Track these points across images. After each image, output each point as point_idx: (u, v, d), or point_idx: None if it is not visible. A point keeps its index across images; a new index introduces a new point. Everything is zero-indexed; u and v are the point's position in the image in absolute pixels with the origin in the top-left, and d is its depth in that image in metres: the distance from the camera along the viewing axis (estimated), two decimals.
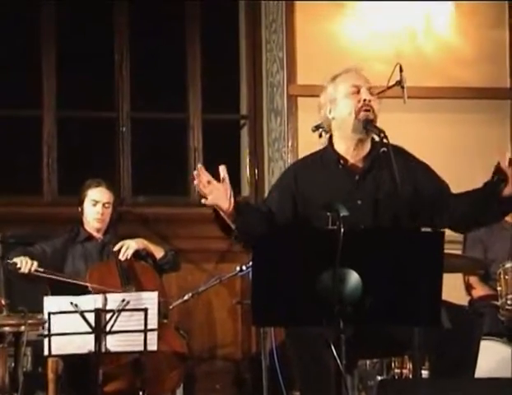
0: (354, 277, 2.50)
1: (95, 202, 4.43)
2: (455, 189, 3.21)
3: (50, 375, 4.09)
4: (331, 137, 3.24)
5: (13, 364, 3.88)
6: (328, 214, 2.66)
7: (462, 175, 3.98)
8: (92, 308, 3.74)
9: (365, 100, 3.13)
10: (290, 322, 2.71)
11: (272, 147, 5.43)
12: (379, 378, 3.97)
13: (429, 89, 5.29)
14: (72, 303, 3.72)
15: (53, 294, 4.18)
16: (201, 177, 3.05)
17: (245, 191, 5.52)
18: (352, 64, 3.26)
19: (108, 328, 3.74)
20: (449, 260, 3.47)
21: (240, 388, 5.24)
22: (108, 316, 3.74)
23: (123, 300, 3.76)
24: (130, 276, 4.32)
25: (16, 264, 4.15)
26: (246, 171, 5.53)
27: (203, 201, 3.07)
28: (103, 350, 3.74)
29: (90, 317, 3.73)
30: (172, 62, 5.55)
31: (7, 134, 5.29)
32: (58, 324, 3.71)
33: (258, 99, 5.50)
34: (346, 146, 3.18)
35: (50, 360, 4.04)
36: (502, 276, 4.23)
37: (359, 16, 5.27)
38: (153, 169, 5.51)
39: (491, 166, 4.72)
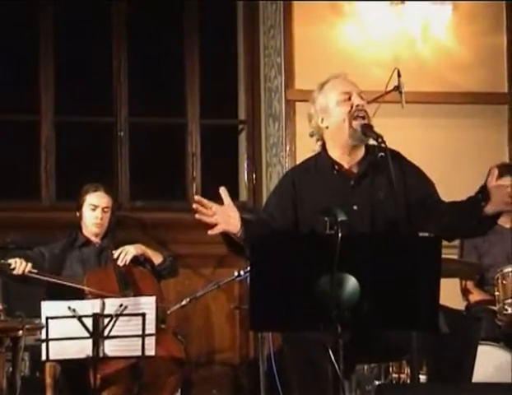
0: (352, 282, 2.50)
1: (94, 207, 4.43)
2: (453, 194, 3.21)
3: (48, 380, 4.08)
4: (324, 144, 3.24)
5: (11, 369, 3.87)
6: (326, 219, 2.66)
7: (459, 180, 3.99)
8: (90, 312, 3.73)
9: (358, 106, 3.13)
10: (287, 327, 2.71)
11: (270, 152, 5.44)
12: (376, 382, 3.96)
13: (427, 94, 5.30)
14: (69, 308, 3.72)
15: (51, 298, 4.18)
16: (202, 210, 2.99)
17: (243, 196, 5.53)
18: (338, 71, 3.24)
19: (106, 333, 3.74)
20: (446, 265, 3.47)
21: (238, 393, 5.24)
22: (106, 321, 3.74)
23: (121, 305, 3.76)
24: (128, 281, 4.32)
25: (9, 265, 4.16)
26: (244, 176, 5.53)
27: (210, 232, 2.99)
28: (101, 355, 3.74)
29: (88, 322, 3.73)
30: (170, 67, 5.56)
31: (5, 139, 5.30)
32: (55, 329, 3.71)
33: (256, 105, 5.51)
34: (341, 152, 3.18)
35: (48, 365, 4.04)
36: (500, 281, 4.23)
37: (357, 21, 5.28)
38: (151, 174, 5.52)
39: (484, 171, 4.75)
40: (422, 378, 3.37)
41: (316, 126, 3.21)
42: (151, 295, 3.93)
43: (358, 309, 2.49)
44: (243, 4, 5.55)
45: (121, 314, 3.75)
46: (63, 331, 3.71)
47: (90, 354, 3.72)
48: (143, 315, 3.76)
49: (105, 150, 5.44)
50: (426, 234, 3.11)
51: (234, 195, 5.45)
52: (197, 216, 2.99)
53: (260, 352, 4.23)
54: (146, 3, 5.44)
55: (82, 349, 3.72)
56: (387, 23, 5.27)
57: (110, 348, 3.76)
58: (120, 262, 4.35)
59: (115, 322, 3.74)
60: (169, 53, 5.56)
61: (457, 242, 4.69)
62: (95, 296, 4.01)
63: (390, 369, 3.98)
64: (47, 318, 3.71)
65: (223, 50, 5.61)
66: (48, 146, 5.32)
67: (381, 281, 2.50)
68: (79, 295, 4.12)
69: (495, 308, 4.22)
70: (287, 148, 5.25)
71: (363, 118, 3.13)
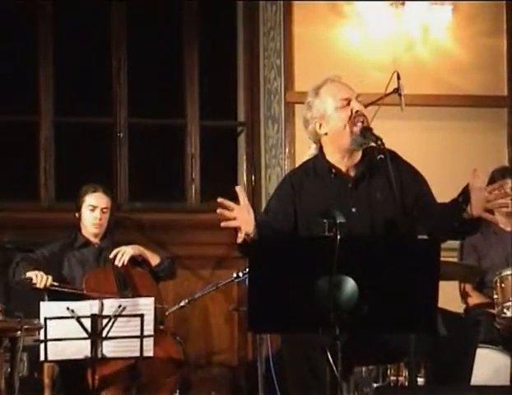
0: (350, 284, 2.50)
1: (93, 208, 4.43)
2: (450, 197, 3.21)
3: (46, 381, 4.09)
4: (321, 147, 3.23)
5: (9, 370, 3.87)
6: (325, 221, 2.66)
7: (458, 183, 3.97)
8: (88, 313, 3.74)
9: (357, 112, 3.12)
10: (286, 329, 2.72)
11: (269, 154, 5.44)
12: (374, 385, 3.96)
13: (426, 96, 5.30)
14: (68, 308, 3.73)
15: (50, 299, 4.18)
16: (224, 212, 2.97)
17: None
18: (331, 74, 3.23)
19: (104, 334, 3.75)
20: (445, 268, 3.48)
21: (236, 394, 5.24)
22: (104, 322, 3.75)
23: (120, 306, 3.76)
24: (127, 282, 4.32)
25: (31, 279, 4.14)
26: (243, 177, 5.54)
27: (224, 224, 2.98)
28: (99, 355, 3.74)
29: (87, 322, 3.73)
30: (169, 69, 5.56)
31: (4, 140, 5.30)
32: (54, 330, 3.71)
33: (256, 106, 5.51)
34: (340, 156, 3.18)
35: (46, 366, 4.04)
36: (498, 285, 4.22)
37: (357, 23, 5.28)
38: (150, 175, 5.52)
39: (488, 174, 4.76)
40: (420, 380, 3.37)
41: (313, 132, 3.19)
42: (149, 296, 3.93)
43: (356, 310, 2.49)
44: (242, 5, 5.55)
45: (119, 315, 3.75)
46: (62, 331, 3.72)
47: (89, 354, 3.73)
48: (142, 316, 3.76)
49: (104, 151, 5.44)
50: (425, 237, 3.11)
51: (232, 197, 5.47)
52: (218, 210, 2.96)
53: (258, 354, 4.23)
54: (146, 4, 5.44)
55: (81, 349, 3.73)
56: (386, 24, 5.28)
57: (109, 349, 3.76)
58: (117, 262, 4.35)
59: (114, 322, 3.75)
60: (169, 54, 5.56)
61: (456, 244, 4.70)
62: (94, 297, 4.02)
63: (388, 372, 3.98)
64: (45, 319, 3.71)
65: (223, 51, 5.62)
66: (48, 146, 5.32)
67: (380, 283, 2.51)
68: (78, 296, 4.12)
69: (494, 311, 4.22)
70: (286, 150, 5.25)
71: (362, 123, 3.13)
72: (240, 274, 4.30)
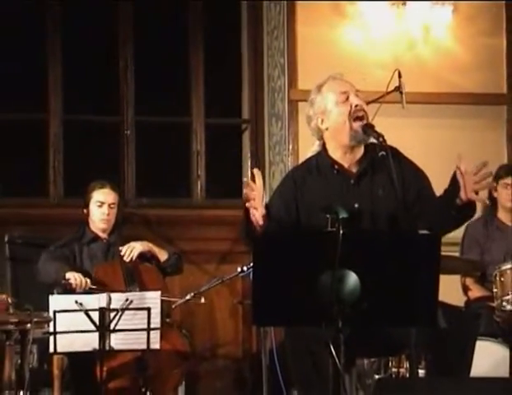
0: (353, 278, 2.50)
1: (101, 203, 4.44)
2: None
3: (55, 372, 4.10)
4: (324, 143, 3.23)
5: (19, 361, 3.88)
6: (328, 216, 2.66)
7: None
8: (97, 307, 3.75)
9: (356, 106, 3.12)
10: (289, 322, 2.72)
11: (272, 151, 5.44)
12: (376, 376, 3.96)
13: (427, 94, 5.29)
14: (76, 301, 3.73)
15: (59, 292, 4.19)
16: (255, 183, 3.00)
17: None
18: (334, 72, 3.24)
19: (112, 327, 3.75)
20: (446, 262, 3.48)
21: (241, 386, 5.24)
22: (112, 315, 3.75)
23: (127, 300, 3.77)
24: (134, 277, 4.33)
25: (69, 280, 4.14)
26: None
27: (248, 204, 3.00)
28: (107, 348, 3.75)
29: (95, 315, 3.73)
30: (175, 68, 5.56)
31: (14, 137, 5.31)
32: (63, 322, 3.72)
33: (260, 104, 5.51)
34: (342, 152, 3.18)
35: (55, 358, 4.05)
36: (498, 278, 4.22)
37: (359, 23, 5.28)
38: (157, 171, 5.52)
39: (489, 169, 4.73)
40: (421, 372, 3.38)
41: (316, 127, 3.20)
42: (156, 290, 3.94)
43: (359, 304, 2.49)
44: (247, 5, 5.55)
45: (127, 308, 3.76)
46: (70, 324, 3.72)
47: (97, 347, 3.74)
48: (148, 309, 3.77)
49: (112, 148, 5.44)
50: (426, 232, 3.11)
51: (237, 193, 5.48)
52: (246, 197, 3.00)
53: (262, 346, 4.23)
54: (152, 5, 5.44)
55: (89, 342, 3.73)
56: (388, 24, 5.27)
57: (116, 341, 3.77)
58: (126, 258, 4.35)
59: (121, 316, 3.76)
60: (175, 53, 5.56)
61: (458, 239, 4.69)
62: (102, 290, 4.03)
63: (390, 364, 3.98)
64: (54, 312, 3.72)
65: (227, 51, 5.61)
66: (56, 144, 5.33)
67: (381, 277, 2.51)
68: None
69: (494, 304, 4.21)
70: (290, 147, 5.25)
71: (362, 118, 3.12)
72: (245, 268, 4.30)
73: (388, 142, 3.08)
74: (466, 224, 4.62)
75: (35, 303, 3.93)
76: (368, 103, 3.31)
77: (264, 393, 3.97)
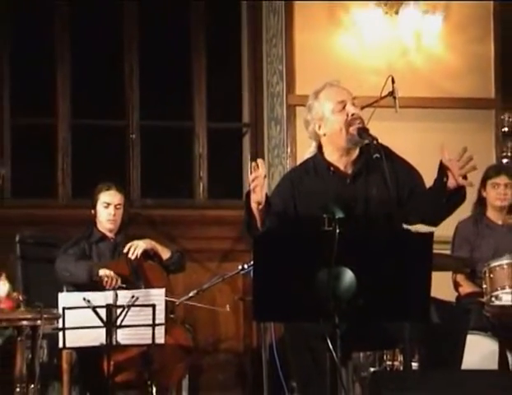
0: (349, 275, 2.50)
1: (107, 205, 4.44)
2: None
3: (64, 366, 4.10)
4: (320, 146, 3.24)
5: (30, 356, 3.89)
6: (325, 216, 2.66)
7: None
8: (104, 303, 3.74)
9: (353, 115, 3.12)
10: (288, 318, 2.72)
11: (272, 153, 5.44)
12: (372, 369, 3.97)
13: (419, 99, 5.29)
14: (84, 299, 3.73)
15: (68, 290, 4.19)
16: (259, 172, 3.01)
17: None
18: (331, 79, 3.24)
19: (118, 323, 3.75)
20: (438, 259, 3.47)
21: (242, 380, 5.24)
22: (118, 311, 3.75)
23: (133, 297, 3.77)
24: (139, 274, 4.32)
25: (102, 279, 4.14)
26: (248, 176, 5.51)
27: (254, 184, 3.00)
28: (114, 343, 3.74)
29: (102, 312, 3.73)
30: (179, 74, 5.57)
31: (25, 141, 5.31)
32: (71, 319, 3.72)
33: (259, 109, 5.51)
34: (338, 155, 3.19)
35: (64, 352, 4.05)
36: (487, 275, 4.22)
37: (354, 31, 5.28)
38: (161, 173, 5.52)
39: (477, 171, 4.75)
40: (414, 365, 3.37)
41: (313, 132, 3.21)
42: (160, 287, 3.94)
43: (354, 300, 2.49)
44: (247, 14, 5.55)
45: (133, 305, 3.75)
46: (79, 320, 3.72)
47: (104, 342, 3.73)
48: (153, 306, 3.76)
49: (118, 151, 5.44)
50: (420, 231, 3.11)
51: (237, 194, 5.48)
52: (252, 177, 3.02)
53: (263, 341, 4.23)
54: (156, 14, 5.45)
55: (97, 337, 3.73)
56: (381, 32, 5.27)
57: (123, 337, 3.77)
58: (131, 256, 4.35)
59: (127, 312, 3.75)
60: (178, 60, 5.56)
61: (449, 238, 4.70)
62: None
63: (384, 357, 3.98)
64: (63, 309, 3.71)
65: (228, 58, 5.62)
66: (65, 147, 5.33)
67: (376, 274, 2.51)
68: (94, 287, 4.12)
69: (484, 300, 4.21)
70: (288, 150, 5.25)
71: (358, 125, 3.12)
72: (245, 266, 4.29)
73: None
74: (457, 223, 4.68)
75: (45, 300, 3.93)
76: (363, 107, 3.32)
77: (264, 386, 3.96)
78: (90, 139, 5.44)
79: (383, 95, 4.49)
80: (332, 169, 3.18)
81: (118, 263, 4.36)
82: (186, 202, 5.50)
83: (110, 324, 3.73)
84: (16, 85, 5.26)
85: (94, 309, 3.71)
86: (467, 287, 4.60)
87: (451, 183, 2.98)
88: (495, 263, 4.22)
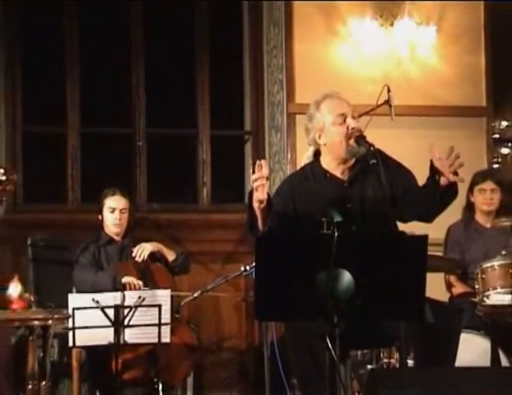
0: (347, 277, 2.50)
1: (113, 209, 4.44)
2: None
3: (74, 364, 4.09)
4: (316, 153, 3.24)
5: (41, 354, 3.88)
6: (324, 219, 2.66)
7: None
8: (112, 304, 3.74)
9: (353, 129, 3.13)
10: (289, 317, 2.72)
11: (273, 159, 5.44)
12: (369, 367, 3.96)
13: (414, 107, 5.30)
14: (93, 299, 3.73)
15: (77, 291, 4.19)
16: (263, 172, 3.00)
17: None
18: (333, 87, 3.24)
19: (126, 322, 3.75)
20: (432, 261, 3.47)
21: (244, 377, 5.24)
22: (126, 311, 3.75)
23: (140, 297, 3.77)
24: (146, 276, 4.33)
25: (125, 285, 4.15)
26: (250, 181, 5.52)
27: (258, 183, 3.00)
28: (121, 342, 3.74)
29: (110, 312, 3.73)
30: (183, 84, 5.57)
31: (36, 149, 5.32)
32: (81, 319, 3.72)
33: (261, 117, 5.52)
34: (335, 163, 3.20)
35: (74, 351, 4.05)
36: (479, 276, 4.22)
37: (351, 43, 5.28)
38: (166, 179, 5.52)
39: (470, 177, 4.76)
40: (410, 362, 3.37)
41: (313, 140, 3.22)
42: (166, 288, 3.94)
43: (352, 300, 2.49)
44: (248, 27, 5.56)
45: (139, 305, 3.75)
46: (88, 320, 3.72)
47: (112, 341, 3.73)
48: (159, 306, 3.77)
49: (125, 158, 5.44)
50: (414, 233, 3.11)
51: (240, 198, 5.48)
52: (256, 173, 3.01)
53: (264, 339, 4.22)
54: (162, 30, 5.47)
55: (105, 336, 3.73)
56: (377, 44, 5.27)
57: (130, 336, 3.77)
58: (138, 258, 4.35)
59: (134, 312, 3.75)
60: (183, 71, 5.57)
61: (441, 240, 4.70)
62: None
63: (381, 355, 3.97)
64: (73, 309, 3.72)
65: (231, 68, 5.62)
66: (74, 154, 5.34)
67: (373, 275, 2.51)
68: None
69: (476, 299, 4.21)
70: (288, 156, 5.25)
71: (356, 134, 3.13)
72: (248, 268, 4.29)
73: None
74: (448, 227, 4.69)
75: (56, 301, 3.93)
76: (360, 115, 3.31)
77: (266, 383, 3.96)
78: (99, 146, 5.44)
79: (379, 103, 4.49)
80: (328, 175, 3.18)
81: (126, 265, 4.37)
82: (190, 206, 5.50)
83: (118, 324, 3.73)
84: (28, 96, 5.27)
85: (102, 309, 3.71)
86: (459, 288, 4.60)
87: (443, 180, 2.99)
88: (486, 265, 4.22)
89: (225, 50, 5.61)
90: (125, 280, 4.17)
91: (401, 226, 3.23)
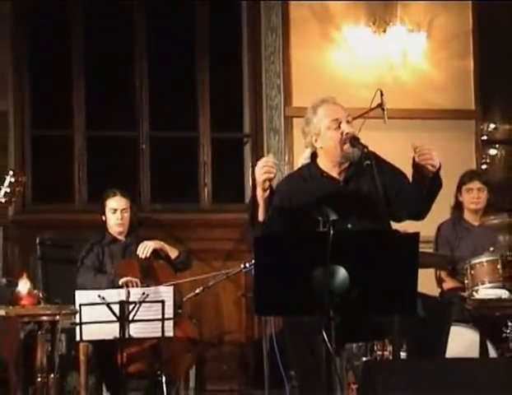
0: (342, 273, 2.50)
1: (114, 210, 4.43)
2: None
3: (81, 358, 4.10)
4: (314, 155, 3.25)
5: (50, 349, 3.88)
6: (320, 218, 2.66)
7: None
8: (117, 300, 3.74)
9: (347, 133, 3.14)
10: (287, 312, 2.72)
11: None
12: (364, 359, 3.97)
13: (406, 111, 5.31)
14: (99, 296, 3.73)
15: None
16: (270, 163, 3.01)
17: (247, 199, 5.53)
18: (328, 95, 3.25)
19: (131, 317, 3.75)
20: (423, 258, 3.48)
21: (244, 369, 5.24)
22: (130, 307, 3.75)
23: (144, 293, 3.77)
24: (149, 272, 4.33)
25: (123, 285, 4.15)
26: (249, 182, 5.54)
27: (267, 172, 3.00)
28: (126, 336, 3.74)
29: (116, 308, 3.74)
30: (185, 90, 5.58)
31: (44, 152, 5.33)
32: (87, 314, 3.72)
33: (259, 120, 5.52)
34: (331, 165, 3.21)
35: (81, 345, 4.05)
36: (468, 271, 4.23)
37: (345, 48, 5.29)
38: (169, 180, 5.53)
39: (459, 176, 4.76)
40: (403, 354, 3.37)
41: (310, 143, 3.23)
42: (169, 285, 3.94)
43: (348, 295, 2.49)
44: (247, 34, 5.57)
45: (143, 301, 3.76)
46: (94, 315, 3.72)
47: (118, 335, 3.73)
48: (163, 302, 3.77)
49: (129, 160, 5.45)
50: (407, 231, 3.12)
51: (239, 198, 5.49)
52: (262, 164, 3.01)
53: (263, 333, 4.23)
54: (164, 38, 5.47)
55: (111, 331, 3.73)
56: (371, 50, 5.29)
57: (135, 330, 3.77)
58: (141, 255, 4.35)
59: (139, 308, 3.75)
60: (184, 77, 5.58)
61: (432, 237, 4.71)
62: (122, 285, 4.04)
63: (375, 347, 3.98)
64: (80, 305, 3.72)
65: (230, 74, 5.63)
66: (81, 157, 5.34)
67: (368, 271, 2.51)
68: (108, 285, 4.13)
69: (465, 294, 4.22)
70: (286, 158, 5.26)
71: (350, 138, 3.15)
72: (247, 265, 4.29)
73: None
74: (438, 225, 4.70)
75: (63, 297, 3.94)
76: (354, 118, 3.32)
77: (265, 375, 3.96)
78: (104, 149, 5.45)
79: (372, 106, 4.50)
80: (325, 175, 3.20)
81: (130, 262, 4.37)
82: (192, 206, 5.51)
83: (123, 319, 3.73)
84: (36, 101, 5.28)
85: (108, 305, 3.71)
86: (449, 283, 4.61)
87: (428, 171, 3.03)
88: (475, 261, 4.23)
89: (225, 57, 5.62)
90: (123, 281, 4.16)
91: (394, 226, 3.24)
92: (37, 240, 4.71)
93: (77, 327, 3.74)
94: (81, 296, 3.74)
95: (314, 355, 2.80)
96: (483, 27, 5.50)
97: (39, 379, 3.78)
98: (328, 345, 2.48)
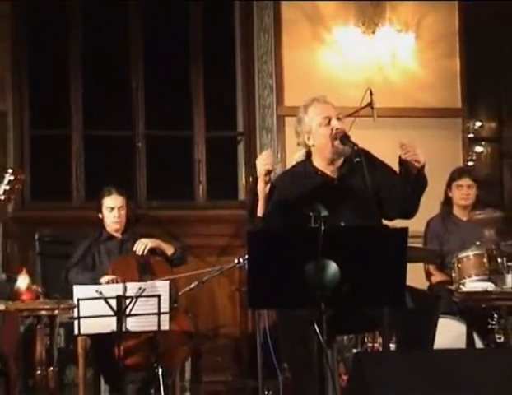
0: (333, 267, 2.51)
1: (111, 209, 4.42)
2: None
3: (80, 351, 4.09)
4: (309, 153, 3.25)
5: (49, 342, 3.88)
6: (311, 214, 2.66)
7: None
8: (114, 294, 3.74)
9: (337, 129, 3.14)
10: (280, 305, 2.72)
11: None
12: (354, 350, 3.97)
13: (395, 109, 5.31)
14: (97, 291, 3.73)
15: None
16: (270, 156, 3.06)
17: (241, 196, 5.54)
18: (318, 94, 3.26)
19: (127, 312, 3.74)
20: (412, 252, 3.49)
21: (239, 361, 5.24)
22: (127, 301, 3.75)
23: (140, 288, 3.77)
24: (146, 268, 4.32)
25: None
26: (242, 180, 5.54)
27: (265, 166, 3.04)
28: (123, 330, 3.74)
29: (113, 302, 3.73)
30: (180, 90, 5.57)
31: (43, 150, 5.31)
32: (85, 308, 3.71)
33: (252, 119, 5.52)
34: (325, 163, 3.22)
35: (79, 339, 4.05)
36: (456, 265, 4.24)
37: (335, 49, 5.29)
38: (164, 178, 5.52)
39: (447, 173, 4.77)
40: (392, 346, 3.38)
41: (303, 142, 3.24)
42: (165, 280, 3.94)
43: (338, 289, 2.49)
44: (240, 35, 5.56)
45: (140, 296, 3.75)
46: (92, 310, 3.71)
47: (115, 329, 3.72)
48: (159, 296, 3.76)
49: (126, 158, 5.44)
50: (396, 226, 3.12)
51: (233, 195, 5.49)
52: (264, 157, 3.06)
53: (257, 327, 4.23)
54: (160, 37, 5.46)
55: (108, 325, 3.72)
56: (360, 50, 5.29)
57: (131, 324, 3.76)
58: (138, 252, 4.35)
59: (135, 302, 3.75)
60: (179, 77, 5.58)
61: (421, 232, 4.71)
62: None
63: (366, 339, 3.99)
64: (78, 300, 3.71)
65: (224, 74, 5.63)
66: (78, 155, 5.33)
67: (358, 265, 2.51)
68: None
69: (453, 287, 4.23)
70: (278, 156, 5.26)
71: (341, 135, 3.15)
72: (241, 260, 4.28)
73: None
74: (427, 220, 4.71)
75: (62, 292, 3.93)
76: (344, 117, 3.32)
77: (259, 367, 3.96)
78: (101, 148, 5.44)
79: (362, 105, 4.50)
80: (319, 173, 3.20)
81: (127, 259, 4.36)
82: (187, 203, 5.50)
83: (120, 313, 3.73)
84: (34, 102, 5.27)
85: (105, 299, 3.71)
86: (438, 276, 4.62)
87: (413, 167, 3.06)
88: (462, 255, 4.24)
89: (219, 57, 5.61)
90: (103, 281, 4.12)
91: (385, 222, 3.24)
92: (36, 236, 4.70)
93: (75, 322, 3.72)
94: (79, 291, 3.73)
95: (307, 347, 2.80)
96: (469, 27, 5.51)
97: (38, 372, 3.78)
98: (320, 337, 2.48)
